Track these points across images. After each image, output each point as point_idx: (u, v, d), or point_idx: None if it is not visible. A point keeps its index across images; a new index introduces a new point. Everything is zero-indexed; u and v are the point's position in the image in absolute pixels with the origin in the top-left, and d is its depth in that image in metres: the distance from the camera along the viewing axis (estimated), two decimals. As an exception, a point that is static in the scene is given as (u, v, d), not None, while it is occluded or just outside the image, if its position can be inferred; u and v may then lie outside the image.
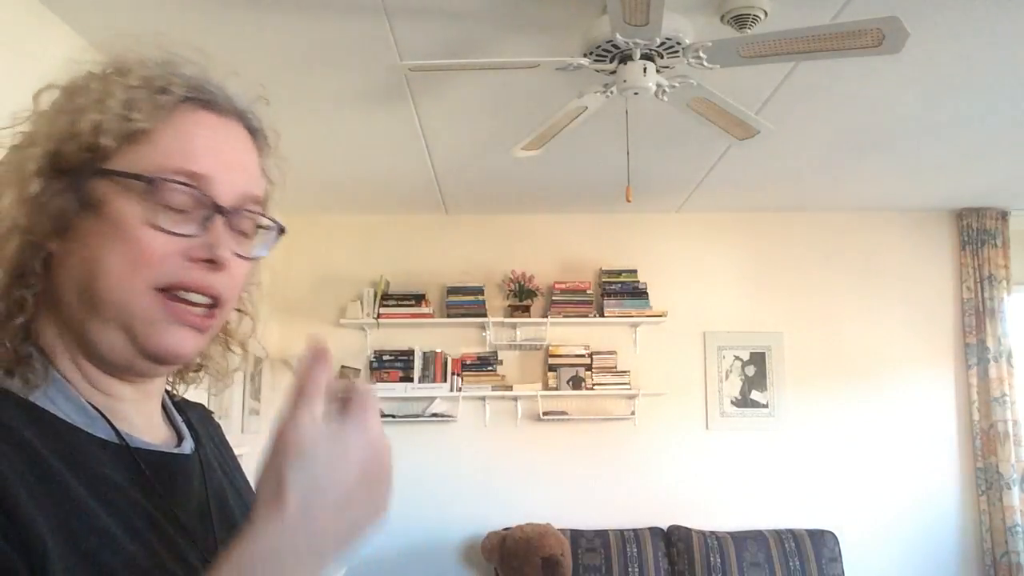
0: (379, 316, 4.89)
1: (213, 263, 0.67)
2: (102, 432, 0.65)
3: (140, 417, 0.70)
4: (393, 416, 4.90)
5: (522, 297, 4.91)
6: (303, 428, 0.58)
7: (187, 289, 0.67)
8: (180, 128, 0.68)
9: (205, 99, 0.71)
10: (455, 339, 4.98)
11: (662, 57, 2.45)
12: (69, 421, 0.63)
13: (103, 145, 0.65)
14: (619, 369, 4.91)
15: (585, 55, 2.46)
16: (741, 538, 4.60)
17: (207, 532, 0.71)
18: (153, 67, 0.69)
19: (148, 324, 0.66)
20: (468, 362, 4.93)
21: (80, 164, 0.65)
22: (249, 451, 4.20)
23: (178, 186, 0.66)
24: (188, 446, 0.77)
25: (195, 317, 0.68)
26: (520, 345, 4.96)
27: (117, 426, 0.67)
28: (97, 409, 0.66)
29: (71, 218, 0.65)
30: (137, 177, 0.65)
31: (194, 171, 0.67)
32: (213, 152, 0.69)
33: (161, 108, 0.67)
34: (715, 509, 4.81)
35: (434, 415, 4.89)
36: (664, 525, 4.71)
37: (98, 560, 0.57)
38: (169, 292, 0.66)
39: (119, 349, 0.67)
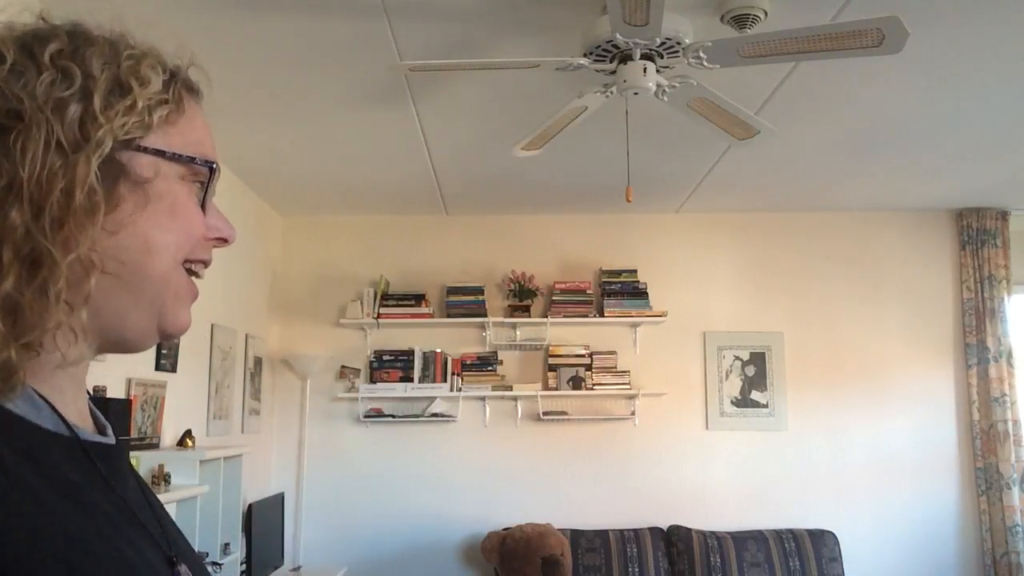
0: (379, 316, 4.89)
1: (225, 242, 0.72)
2: (49, 423, 0.62)
3: (74, 406, 0.67)
4: (393, 416, 4.90)
5: (522, 297, 4.91)
6: None
7: (205, 264, 0.71)
8: (191, 116, 0.70)
9: (192, 87, 0.71)
10: (455, 339, 4.99)
11: (662, 57, 2.45)
12: (19, 413, 0.60)
13: (147, 123, 0.65)
14: (619, 369, 4.91)
15: (585, 55, 2.46)
16: (741, 538, 4.60)
17: (151, 523, 0.70)
18: (155, 51, 0.69)
19: (176, 299, 0.68)
20: (468, 362, 4.93)
21: (121, 139, 0.63)
22: (249, 450, 4.19)
23: (206, 170, 0.69)
24: (111, 434, 0.73)
25: (196, 292, 0.71)
26: (520, 345, 4.96)
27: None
28: (45, 399, 0.62)
29: (109, 199, 0.63)
30: (192, 160, 0.67)
31: (211, 157, 0.70)
32: (211, 140, 0.72)
33: (182, 94, 0.69)
34: (715, 509, 4.81)
35: (434, 415, 4.89)
36: (664, 525, 4.71)
37: (72, 565, 0.56)
38: (186, 267, 0.69)
39: (144, 327, 0.68)
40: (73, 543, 0.56)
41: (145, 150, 0.64)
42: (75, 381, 0.67)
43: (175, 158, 0.66)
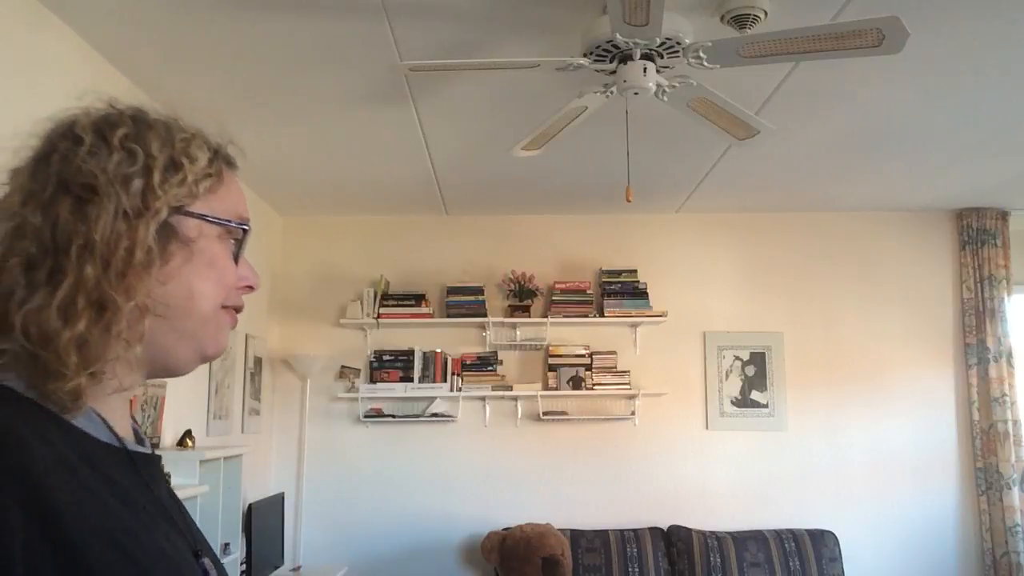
0: (379, 316, 4.88)
1: (252, 289, 0.86)
2: (103, 436, 0.74)
3: (122, 422, 0.79)
4: (393, 416, 4.90)
5: (522, 297, 4.91)
6: None
7: (238, 310, 0.86)
8: (229, 184, 0.84)
9: (231, 162, 0.86)
10: (455, 339, 4.98)
11: (662, 57, 2.45)
12: (80, 428, 0.72)
13: (194, 193, 0.79)
14: (619, 369, 4.91)
15: (585, 55, 2.46)
16: (741, 538, 4.60)
17: (180, 521, 0.82)
18: (202, 132, 0.84)
19: (217, 330, 0.82)
20: (468, 362, 4.93)
21: (173, 207, 0.77)
22: (250, 450, 4.19)
23: (241, 231, 0.83)
24: (148, 444, 0.85)
25: (236, 321, 0.86)
26: (520, 345, 4.96)
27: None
28: (100, 416, 0.75)
29: (163, 255, 0.76)
30: (228, 222, 0.81)
31: (246, 219, 0.84)
32: (244, 204, 0.86)
33: (222, 168, 0.84)
34: (715, 509, 4.81)
35: (434, 415, 4.89)
36: (664, 525, 4.71)
37: (131, 556, 0.67)
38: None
39: (187, 357, 0.81)
40: (127, 534, 0.68)
41: (192, 215, 0.79)
42: (124, 402, 0.81)
43: (216, 221, 0.80)
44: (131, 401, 0.85)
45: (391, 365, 4.93)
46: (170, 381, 3.52)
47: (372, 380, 4.92)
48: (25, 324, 0.68)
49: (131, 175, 0.74)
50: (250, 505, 4.12)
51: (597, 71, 2.52)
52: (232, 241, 0.83)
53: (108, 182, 0.73)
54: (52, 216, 0.71)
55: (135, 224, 0.73)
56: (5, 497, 0.62)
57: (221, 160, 0.84)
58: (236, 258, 0.83)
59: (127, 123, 0.77)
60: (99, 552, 0.64)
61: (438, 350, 4.93)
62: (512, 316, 4.90)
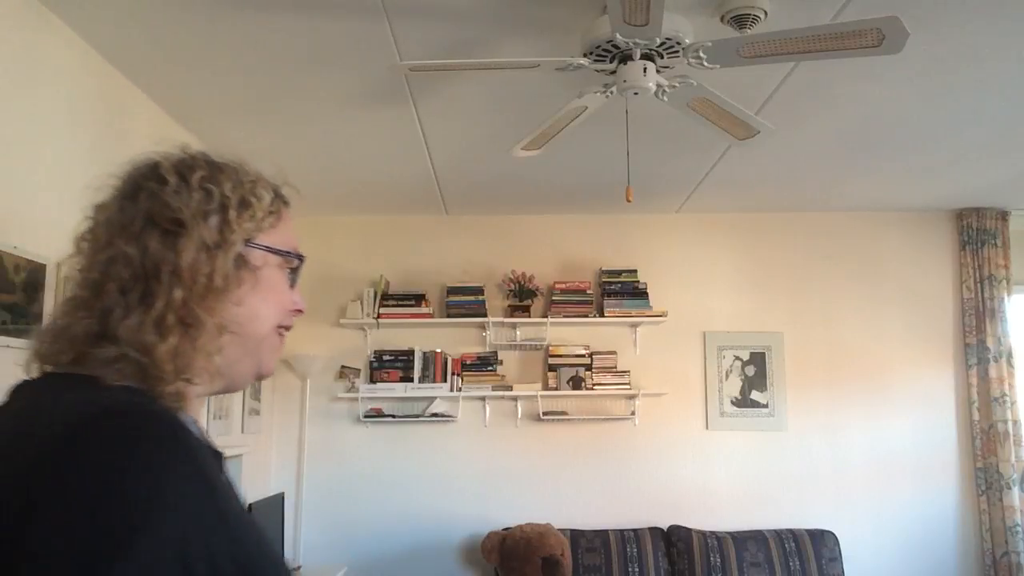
0: (379, 316, 4.88)
1: (302, 313, 0.99)
2: (199, 434, 0.84)
3: (201, 422, 0.90)
4: (393, 416, 4.90)
5: (522, 297, 4.91)
6: None
7: (288, 329, 0.98)
8: (286, 220, 0.97)
9: (286, 201, 0.99)
10: (455, 339, 4.98)
11: (662, 57, 2.45)
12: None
13: (260, 227, 0.91)
14: (619, 369, 4.91)
15: (585, 55, 2.46)
16: (741, 538, 4.60)
17: None
18: (263, 175, 0.96)
19: (270, 352, 0.95)
20: (468, 362, 4.93)
21: (244, 239, 0.89)
22: (250, 450, 4.19)
23: (297, 260, 0.96)
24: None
25: (282, 347, 0.99)
26: (520, 345, 4.96)
27: None
28: (192, 417, 0.86)
29: (236, 280, 0.88)
30: (288, 253, 0.95)
31: (299, 251, 0.97)
32: (296, 237, 0.98)
33: (280, 206, 0.96)
34: (715, 509, 4.81)
35: (434, 415, 4.89)
36: (664, 525, 4.71)
37: (259, 531, 0.81)
38: (277, 331, 0.96)
39: (248, 373, 0.94)
40: (248, 514, 0.82)
41: (258, 247, 0.91)
42: (201, 406, 0.93)
43: (277, 252, 0.94)
44: None
45: (391, 365, 4.93)
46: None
47: (372, 380, 4.92)
48: (127, 337, 0.80)
49: (210, 211, 0.87)
50: (250, 505, 4.11)
51: (597, 71, 2.52)
52: (288, 270, 0.96)
53: (192, 217, 0.85)
54: (142, 246, 0.83)
55: (215, 254, 0.85)
56: (189, 468, 0.73)
57: (280, 199, 0.96)
58: (291, 284, 0.96)
59: (203, 166, 0.89)
60: (245, 527, 0.78)
61: (438, 350, 4.93)
62: (512, 316, 4.90)
